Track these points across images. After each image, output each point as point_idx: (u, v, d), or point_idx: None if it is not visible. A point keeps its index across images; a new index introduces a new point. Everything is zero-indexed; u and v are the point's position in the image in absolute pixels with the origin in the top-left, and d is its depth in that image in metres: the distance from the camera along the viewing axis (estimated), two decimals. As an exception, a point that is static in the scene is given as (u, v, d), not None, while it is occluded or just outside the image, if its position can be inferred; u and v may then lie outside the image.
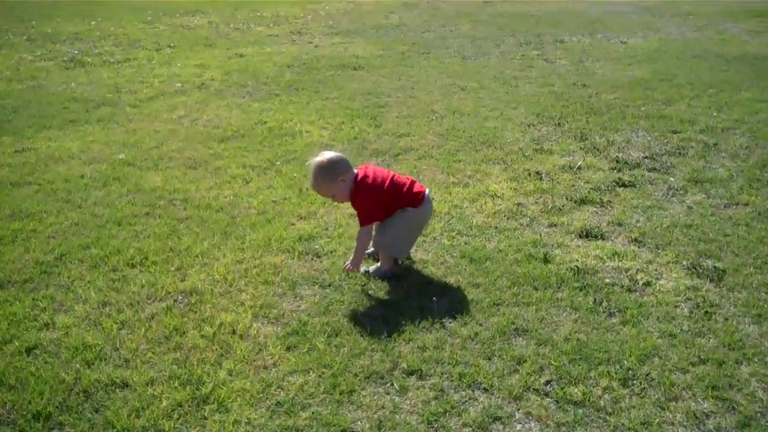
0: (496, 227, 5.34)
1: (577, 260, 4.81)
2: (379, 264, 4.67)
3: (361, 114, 8.51)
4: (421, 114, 8.54)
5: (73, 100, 9.28)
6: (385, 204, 4.49)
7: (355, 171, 4.52)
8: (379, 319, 4.11)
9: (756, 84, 9.99)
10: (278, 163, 6.75)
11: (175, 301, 4.32)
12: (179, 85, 10.11)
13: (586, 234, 5.22)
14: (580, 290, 4.43)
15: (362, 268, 4.64)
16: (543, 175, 6.43)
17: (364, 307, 4.26)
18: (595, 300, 4.31)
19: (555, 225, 5.40)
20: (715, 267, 4.68)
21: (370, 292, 4.43)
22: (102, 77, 10.69)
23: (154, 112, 8.72)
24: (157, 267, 4.72)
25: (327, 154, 4.48)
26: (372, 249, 4.86)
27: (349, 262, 4.55)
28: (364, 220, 4.47)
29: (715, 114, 8.45)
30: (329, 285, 4.52)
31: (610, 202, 5.83)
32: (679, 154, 7.03)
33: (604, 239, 5.17)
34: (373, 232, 4.60)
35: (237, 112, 8.68)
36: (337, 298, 4.35)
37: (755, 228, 5.27)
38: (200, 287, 4.46)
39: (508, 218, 5.51)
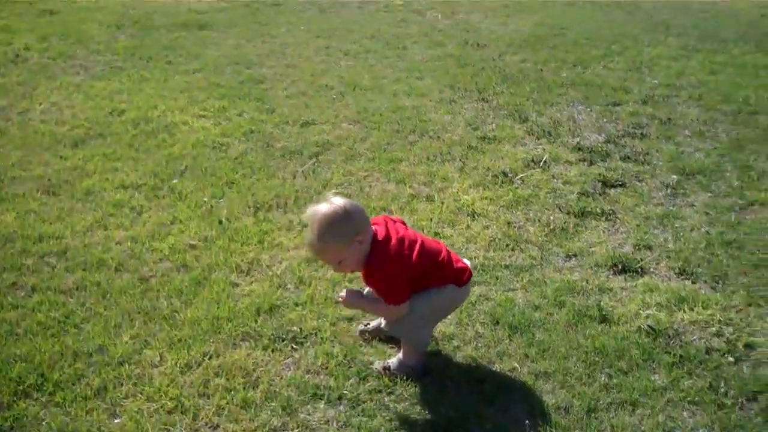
0: (506, 266, 4.08)
1: (641, 314, 3.67)
2: (400, 355, 3.26)
3: (241, 94, 6.86)
4: (314, 91, 7.02)
5: None
6: (414, 280, 3.08)
7: (372, 228, 3.07)
8: (447, 462, 2.75)
9: (653, 37, 9.30)
10: (172, 179, 5.05)
11: (121, 465, 2.71)
12: (-16, 59, 7.89)
13: (622, 269, 4.08)
14: (679, 367, 3.29)
15: (377, 364, 3.25)
16: (511, 177, 5.21)
17: (414, 438, 2.87)
18: (711, 385, 3.19)
19: (574, 255, 4.22)
20: (810, 311, 3.68)
21: (407, 405, 3.04)
22: None
23: (-38, 101, 6.60)
24: (66, 395, 3.06)
25: (339, 202, 2.99)
26: (372, 325, 3.48)
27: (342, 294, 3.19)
28: (394, 297, 3.04)
29: (639, 77, 7.58)
30: (340, 399, 3.09)
31: (614, 212, 4.73)
32: (641, 135, 6.06)
33: (646, 274, 4.06)
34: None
35: (79, 96, 6.74)
36: (366, 424, 2.93)
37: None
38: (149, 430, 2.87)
39: (511, 249, 4.26)
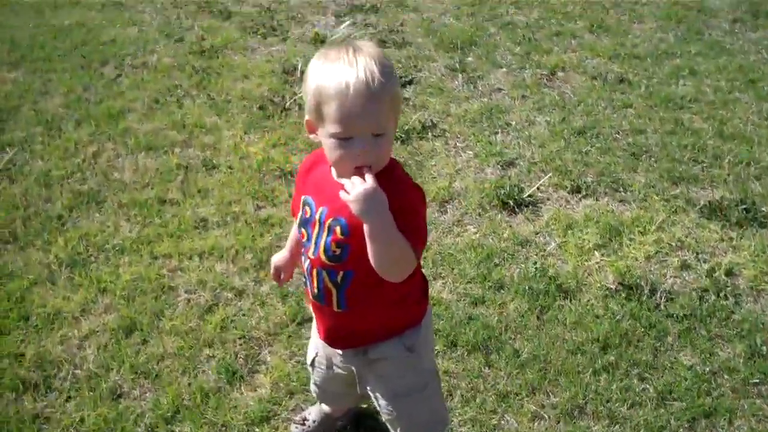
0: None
1: (592, 267, 2.92)
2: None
3: None
4: None
5: None
6: None
7: None
8: None
9: None
10: None
11: None
12: None
13: (514, 205, 3.24)
14: (696, 333, 2.65)
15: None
16: (279, 102, 4.04)
17: None
18: (750, 349, 2.56)
19: (447, 201, 3.32)
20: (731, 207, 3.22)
21: None
22: None
23: None
24: None
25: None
26: (313, 419, 2.28)
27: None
28: (421, 236, 1.68)
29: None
30: None
31: (434, 123, 3.90)
32: (372, 8, 5.27)
33: (542, 203, 3.32)
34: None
35: None
36: None
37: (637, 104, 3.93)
38: None
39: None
